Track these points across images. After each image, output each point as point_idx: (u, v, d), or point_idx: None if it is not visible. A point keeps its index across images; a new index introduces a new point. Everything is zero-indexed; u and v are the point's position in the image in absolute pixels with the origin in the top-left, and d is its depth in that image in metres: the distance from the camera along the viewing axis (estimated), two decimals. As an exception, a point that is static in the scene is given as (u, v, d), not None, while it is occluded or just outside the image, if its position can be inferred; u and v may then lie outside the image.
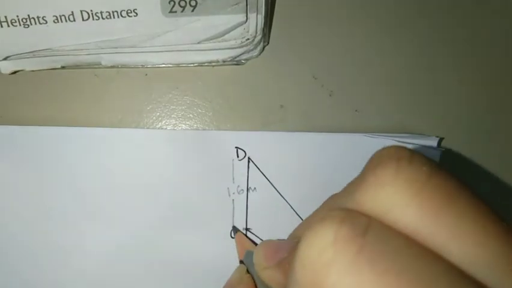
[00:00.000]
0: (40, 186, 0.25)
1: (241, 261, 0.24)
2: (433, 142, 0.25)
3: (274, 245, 0.17)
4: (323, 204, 0.16)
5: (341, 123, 0.27)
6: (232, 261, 0.26)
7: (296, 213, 0.26)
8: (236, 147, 0.25)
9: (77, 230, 0.26)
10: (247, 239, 0.25)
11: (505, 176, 0.27)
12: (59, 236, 0.26)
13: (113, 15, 0.21)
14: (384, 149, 0.11)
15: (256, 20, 0.23)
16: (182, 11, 0.22)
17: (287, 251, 0.16)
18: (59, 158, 0.25)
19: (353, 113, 0.27)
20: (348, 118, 0.27)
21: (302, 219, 0.26)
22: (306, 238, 0.10)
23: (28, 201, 0.26)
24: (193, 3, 0.21)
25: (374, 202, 0.10)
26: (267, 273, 0.16)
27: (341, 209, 0.10)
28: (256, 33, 0.23)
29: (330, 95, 0.27)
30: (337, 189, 0.25)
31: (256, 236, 0.26)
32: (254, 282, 0.20)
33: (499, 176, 0.27)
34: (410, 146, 0.25)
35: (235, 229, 0.26)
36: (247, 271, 0.22)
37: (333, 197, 0.14)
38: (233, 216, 0.26)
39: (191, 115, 0.26)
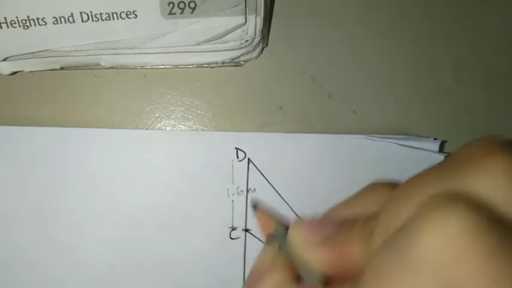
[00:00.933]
0: (39, 186, 0.25)
1: (266, 242, 0.20)
2: (434, 145, 0.25)
3: (315, 221, 0.15)
4: (399, 188, 0.13)
5: (339, 125, 0.27)
6: (231, 262, 0.26)
7: (296, 214, 0.26)
8: (236, 148, 0.25)
9: (76, 229, 0.26)
10: (272, 216, 0.22)
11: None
12: (57, 236, 0.26)
13: (113, 17, 0.21)
14: (490, 137, 0.11)
15: (255, 21, 0.23)
16: (181, 13, 0.22)
17: (334, 226, 0.14)
18: (58, 158, 0.25)
19: (351, 114, 0.27)
20: (347, 119, 0.27)
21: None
22: (430, 223, 0.09)
23: (27, 201, 0.26)
24: (192, 5, 0.22)
25: (489, 191, 0.10)
26: (311, 251, 0.15)
27: (465, 193, 0.10)
28: (255, 34, 0.23)
29: (328, 96, 0.27)
30: (337, 189, 0.25)
31: (256, 237, 0.26)
32: (290, 262, 0.17)
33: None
34: (411, 149, 0.25)
35: (255, 204, 0.24)
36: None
37: (420, 177, 0.12)
38: (232, 217, 0.26)
39: (190, 116, 0.27)
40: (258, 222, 0.23)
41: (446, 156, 0.26)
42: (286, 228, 0.20)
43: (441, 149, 0.26)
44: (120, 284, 0.26)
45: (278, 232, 0.20)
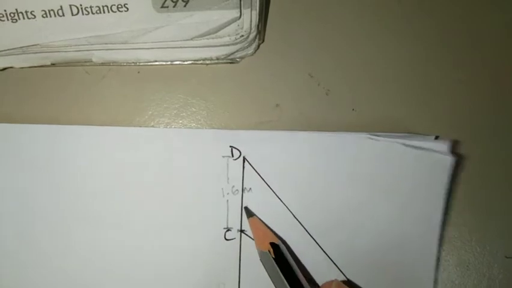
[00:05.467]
0: (27, 184, 0.25)
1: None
2: (442, 145, 0.25)
3: None
4: None
5: (338, 122, 0.26)
6: (226, 264, 0.26)
7: (293, 214, 0.26)
8: (231, 147, 0.25)
9: (65, 230, 0.25)
10: (264, 226, 0.24)
11: (508, 177, 0.27)
12: (45, 237, 0.25)
13: (103, 10, 0.21)
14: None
15: (250, 15, 0.22)
16: (174, 6, 0.21)
17: None
18: (48, 156, 0.25)
19: (350, 111, 0.26)
20: (346, 117, 0.26)
21: (299, 221, 0.26)
22: None
23: (14, 200, 0.25)
24: (185, -2, 0.21)
25: None
26: None
27: None
28: (250, 29, 0.23)
29: (326, 94, 0.26)
30: (335, 189, 0.25)
31: (251, 238, 0.26)
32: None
33: (499, 175, 0.27)
34: (413, 148, 0.25)
35: (248, 212, 0.25)
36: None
37: None
38: (227, 217, 0.26)
39: (184, 114, 0.26)
40: (251, 231, 0.24)
41: (455, 158, 0.25)
42: (275, 245, 0.23)
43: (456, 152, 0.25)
44: (111, 285, 0.26)
45: (265, 256, 0.21)
